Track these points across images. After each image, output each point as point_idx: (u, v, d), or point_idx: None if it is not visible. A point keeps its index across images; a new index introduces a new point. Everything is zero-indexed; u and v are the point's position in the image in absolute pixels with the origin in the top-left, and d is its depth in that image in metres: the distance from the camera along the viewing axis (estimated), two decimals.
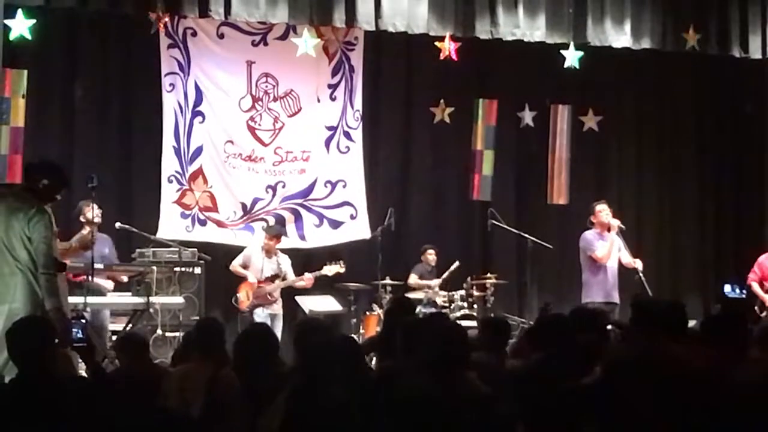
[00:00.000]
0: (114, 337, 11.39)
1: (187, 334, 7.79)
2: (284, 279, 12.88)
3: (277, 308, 12.84)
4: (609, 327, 8.39)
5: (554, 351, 6.20)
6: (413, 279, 13.76)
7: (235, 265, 12.91)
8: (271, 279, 12.81)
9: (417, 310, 12.53)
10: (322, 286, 13.36)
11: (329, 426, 4.88)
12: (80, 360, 6.42)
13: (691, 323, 9.56)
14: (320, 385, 5.21)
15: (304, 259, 13.68)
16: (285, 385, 5.58)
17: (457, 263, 13.58)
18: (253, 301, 12.71)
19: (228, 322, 12.11)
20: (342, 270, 13.09)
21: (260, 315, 12.61)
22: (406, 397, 4.91)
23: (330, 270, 13.04)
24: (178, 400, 6.21)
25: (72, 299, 10.53)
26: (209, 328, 6.87)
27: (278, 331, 11.49)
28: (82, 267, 10.62)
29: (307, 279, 12.96)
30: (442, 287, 13.62)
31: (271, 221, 13.82)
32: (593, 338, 6.84)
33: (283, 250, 13.18)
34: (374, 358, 8.59)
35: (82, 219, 11.34)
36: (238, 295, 12.80)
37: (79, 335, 6.16)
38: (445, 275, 13.58)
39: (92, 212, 11.02)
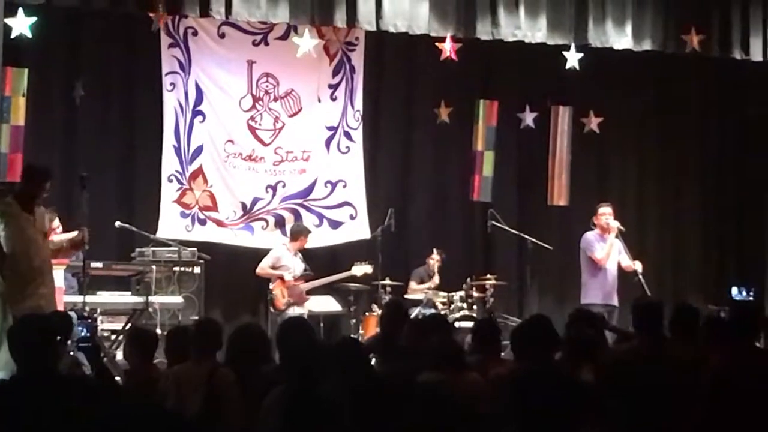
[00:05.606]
0: (113, 336, 11.40)
1: (172, 330, 7.70)
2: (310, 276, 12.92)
3: (308, 306, 12.86)
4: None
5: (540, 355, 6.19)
6: (413, 286, 13.74)
7: (265, 267, 12.86)
8: (304, 278, 12.81)
9: (416, 311, 12.59)
10: (322, 286, 13.34)
11: (326, 424, 4.87)
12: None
13: None
14: (316, 384, 5.23)
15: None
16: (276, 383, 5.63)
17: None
18: (288, 300, 12.68)
19: (228, 322, 12.10)
20: (370, 271, 13.13)
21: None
22: (425, 396, 4.90)
23: (359, 270, 13.09)
24: (175, 399, 6.25)
25: (70, 298, 10.58)
26: (208, 329, 6.86)
27: None
28: (79, 265, 10.46)
29: (343, 277, 13.05)
30: (439, 288, 13.58)
31: (271, 221, 13.82)
32: (589, 334, 6.83)
33: None
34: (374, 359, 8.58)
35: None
36: (273, 293, 12.77)
37: (84, 334, 6.15)
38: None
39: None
